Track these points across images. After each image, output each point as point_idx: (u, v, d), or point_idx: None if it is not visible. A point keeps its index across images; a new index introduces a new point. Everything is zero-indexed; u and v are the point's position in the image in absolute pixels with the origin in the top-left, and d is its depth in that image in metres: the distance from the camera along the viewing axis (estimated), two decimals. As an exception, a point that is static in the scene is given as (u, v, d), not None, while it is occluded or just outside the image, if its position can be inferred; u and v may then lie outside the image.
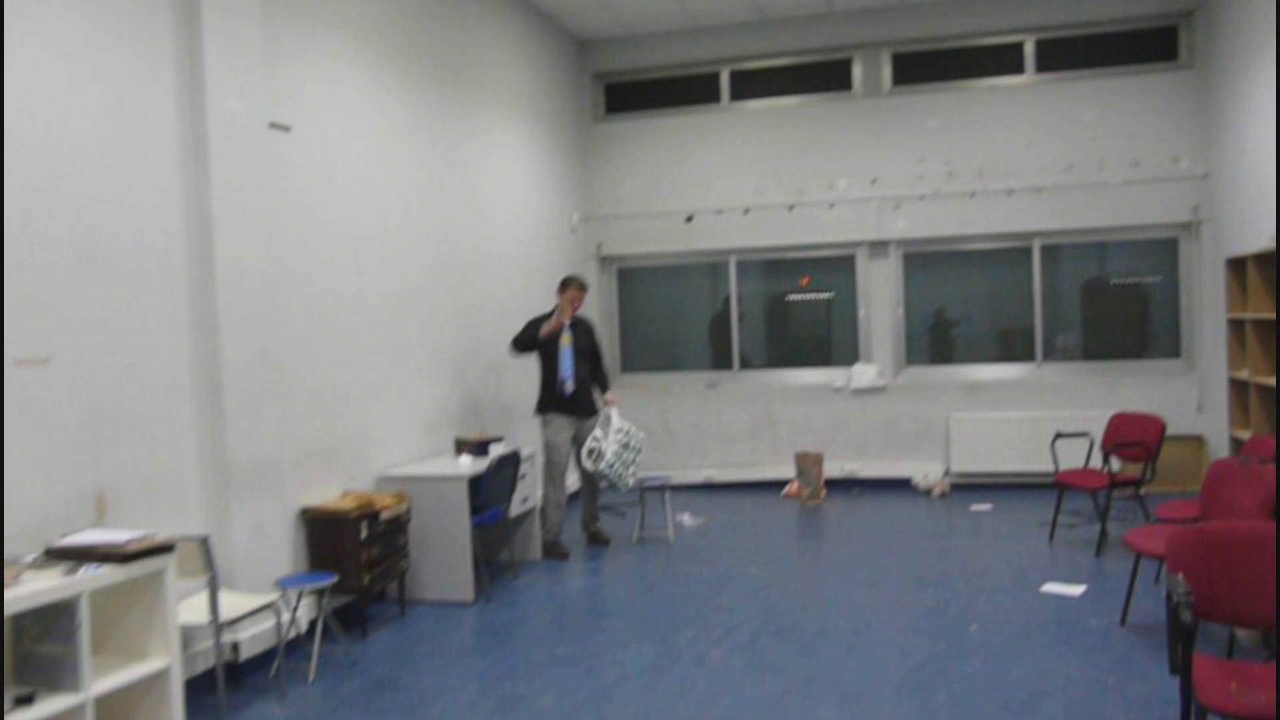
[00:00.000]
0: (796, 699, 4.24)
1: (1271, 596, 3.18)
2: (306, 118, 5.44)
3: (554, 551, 6.95)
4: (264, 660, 4.73)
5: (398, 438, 6.26)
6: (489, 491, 6.00)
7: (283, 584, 4.79)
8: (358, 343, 5.88)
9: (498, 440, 6.54)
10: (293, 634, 4.89)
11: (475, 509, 5.96)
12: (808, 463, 8.56)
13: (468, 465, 6.13)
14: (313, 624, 4.91)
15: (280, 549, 5.05)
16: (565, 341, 6.95)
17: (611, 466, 6.82)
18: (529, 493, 6.72)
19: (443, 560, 5.89)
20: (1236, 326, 6.66)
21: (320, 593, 4.95)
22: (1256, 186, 7.23)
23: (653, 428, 9.54)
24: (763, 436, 9.35)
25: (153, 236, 4.40)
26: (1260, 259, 6.20)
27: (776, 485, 9.07)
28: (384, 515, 5.40)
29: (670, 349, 9.93)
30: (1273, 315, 5.94)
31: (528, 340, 6.92)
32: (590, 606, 5.81)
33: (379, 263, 6.13)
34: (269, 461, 4.96)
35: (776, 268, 9.64)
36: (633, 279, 9.92)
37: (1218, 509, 4.78)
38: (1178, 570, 3.21)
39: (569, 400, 6.95)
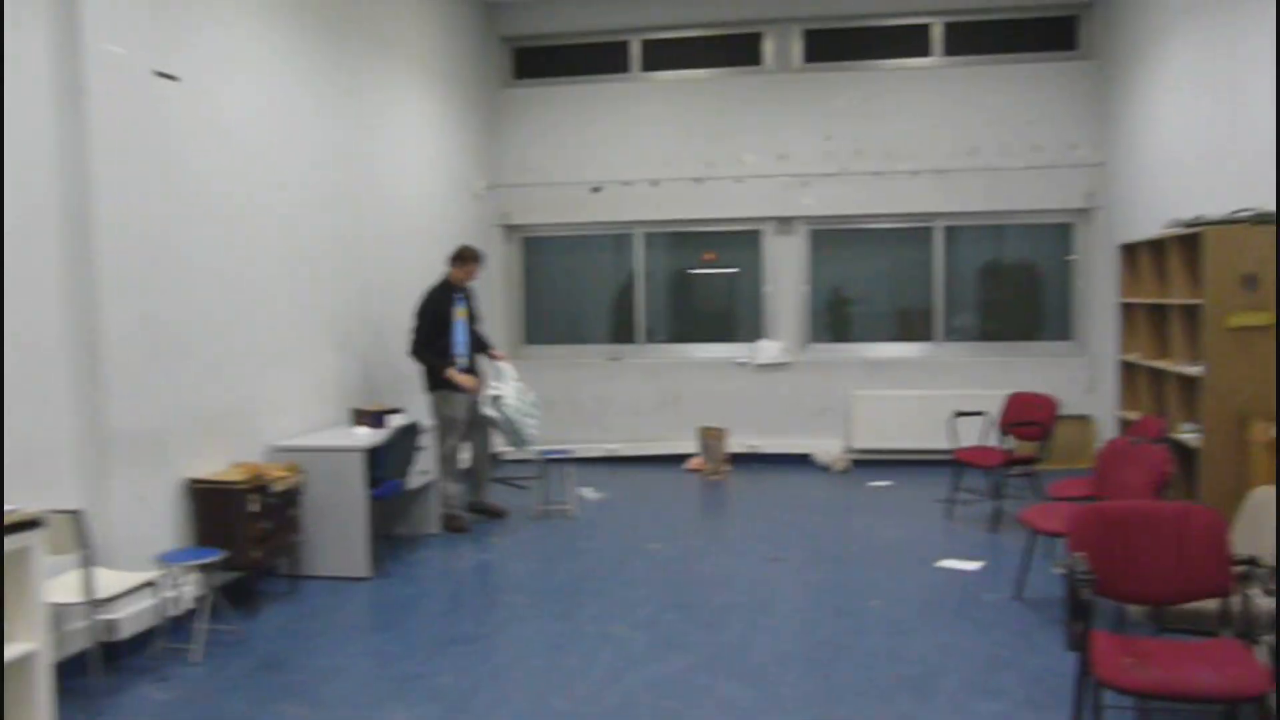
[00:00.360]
0: (701, 675, 4.21)
1: (1164, 574, 3.25)
2: (197, 68, 5.13)
3: (453, 525, 6.79)
4: (146, 641, 4.48)
5: (292, 408, 6.02)
6: (387, 464, 5.82)
7: (165, 559, 4.55)
8: (251, 308, 5.62)
9: (396, 411, 6.36)
10: (176, 612, 4.66)
11: (372, 481, 5.78)
12: (711, 437, 8.56)
13: (365, 436, 5.95)
14: (201, 601, 4.68)
15: (164, 523, 4.81)
16: (460, 315, 6.82)
17: (517, 410, 6.74)
18: (428, 465, 6.55)
19: (338, 534, 5.70)
20: (1128, 311, 6.85)
21: (206, 568, 4.73)
22: (1149, 175, 7.44)
23: (556, 400, 9.42)
24: (667, 411, 9.32)
25: (22, 191, 4.09)
26: (1151, 245, 6.37)
27: (680, 459, 9.05)
28: (275, 487, 5.18)
29: (575, 321, 9.81)
30: (1162, 300, 6.12)
31: (436, 354, 6.68)
32: (490, 582, 5.69)
33: (275, 225, 5.86)
34: (152, 431, 4.70)
35: (683, 241, 9.59)
36: (538, 249, 9.75)
37: (1110, 487, 4.90)
38: (1078, 549, 3.26)
39: (465, 374, 6.81)
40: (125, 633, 4.43)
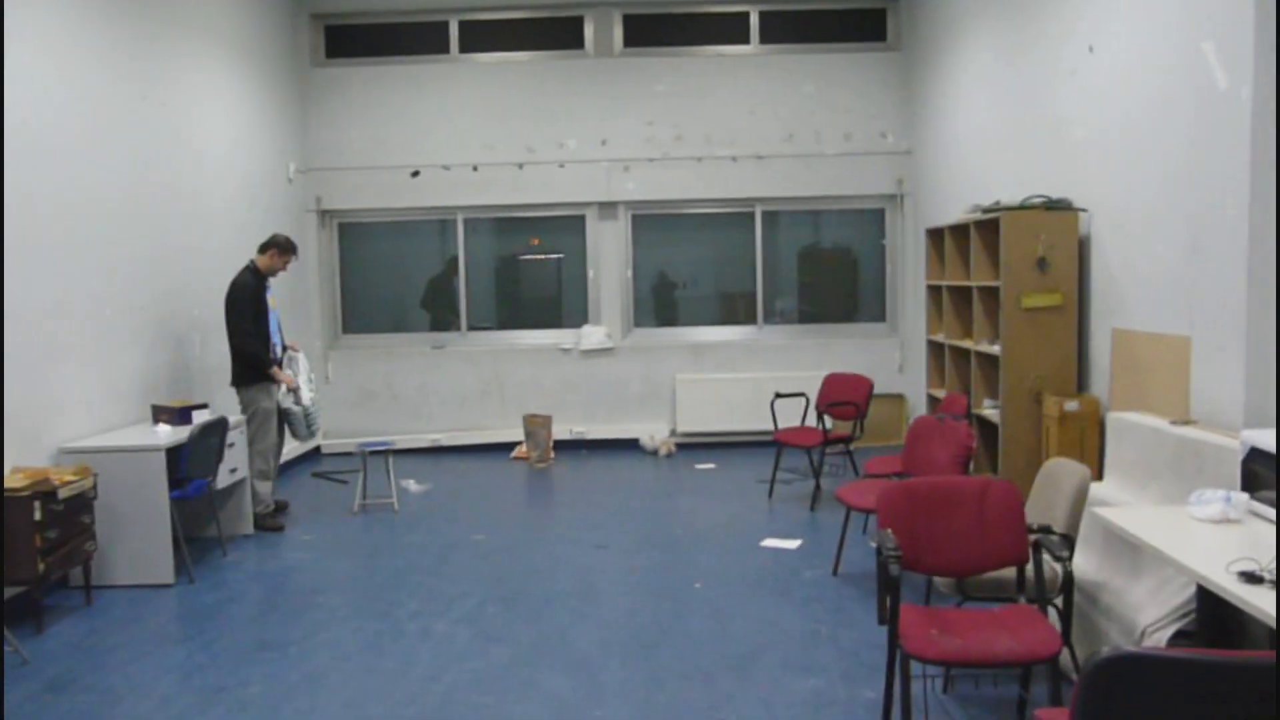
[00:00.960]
0: (523, 668, 4.14)
1: (967, 545, 3.38)
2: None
3: (268, 524, 6.50)
4: (-92, 666, 4.07)
5: (81, 407, 5.58)
6: (191, 463, 5.48)
7: (-69, 577, 4.14)
8: (28, 300, 5.15)
9: (202, 407, 5.99)
10: (-54, 633, 4.24)
11: (176, 482, 5.43)
12: (536, 425, 8.48)
13: (166, 435, 5.59)
14: (-28, 621, 4.28)
15: (-71, 537, 4.37)
16: (271, 304, 6.65)
17: (314, 402, 6.68)
18: (238, 463, 6.21)
19: (138, 540, 5.33)
20: (935, 293, 7.16)
21: (-18, 584, 4.33)
22: (952, 163, 7.79)
23: (376, 391, 9.16)
24: (491, 399, 9.18)
25: None
26: (955, 230, 6.67)
27: (505, 448, 8.94)
28: (62, 493, 4.78)
29: (395, 309, 9.52)
30: (965, 282, 6.41)
31: (255, 355, 6.43)
32: (306, 583, 5.44)
33: (53, 208, 5.39)
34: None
35: (506, 227, 9.45)
36: (355, 235, 9.41)
37: (917, 462, 5.11)
38: (887, 525, 3.35)
39: (276, 364, 6.64)
40: (-115, 660, 4.01)
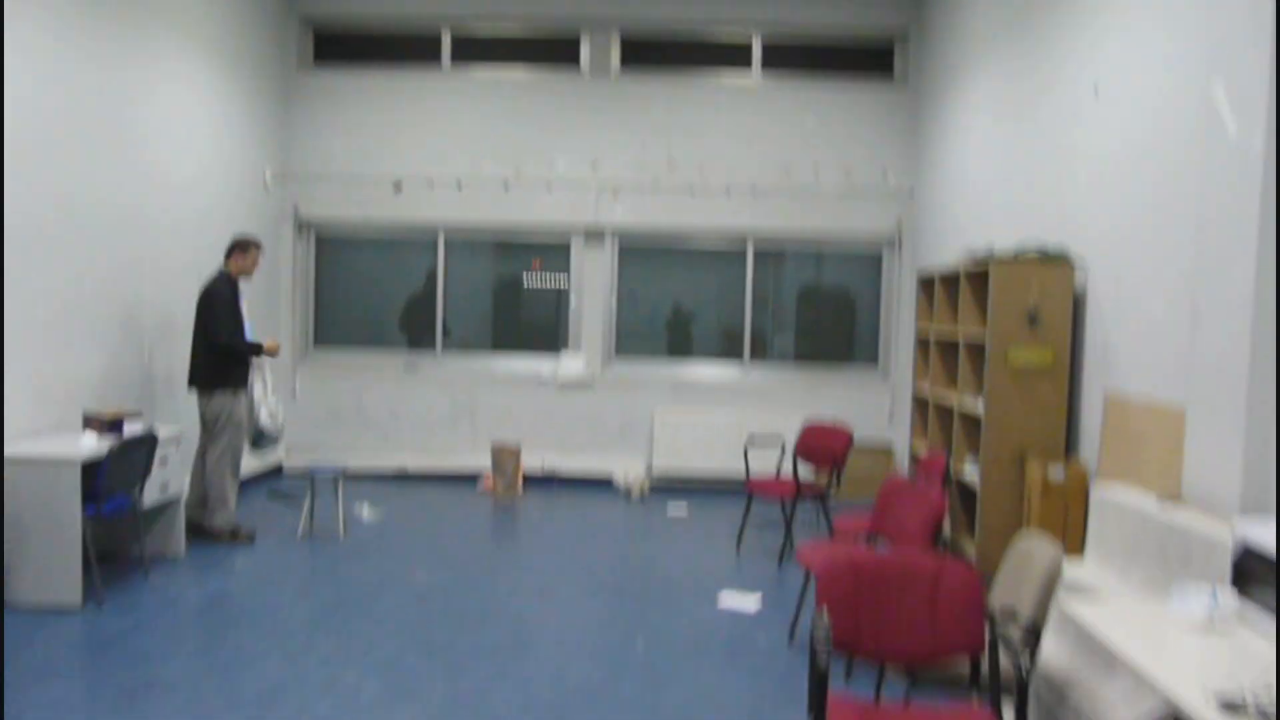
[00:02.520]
0: (426, 733, 3.74)
1: (916, 631, 2.98)
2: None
3: (237, 535, 6.34)
4: None
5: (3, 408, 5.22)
6: (111, 478, 5.10)
7: None
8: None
9: (135, 416, 5.64)
10: None
11: (95, 497, 5.06)
12: (504, 456, 8.09)
13: (90, 446, 5.22)
14: None
15: None
16: (245, 308, 6.43)
17: (278, 411, 6.47)
18: (170, 478, 5.84)
19: (45, 558, 4.96)
20: (923, 343, 6.78)
21: None
22: (952, 206, 7.43)
23: (344, 409, 8.80)
24: (462, 425, 8.81)
25: None
26: (945, 279, 6.30)
27: (474, 477, 8.56)
28: (-46, 505, 4.42)
29: (369, 325, 9.17)
30: (953, 334, 6.03)
31: (250, 349, 6.36)
32: (223, 614, 5.05)
33: (-14, 198, 5.07)
34: None
35: (489, 247, 9.11)
36: (332, 247, 9.08)
37: (887, 526, 4.69)
38: (824, 602, 2.95)
39: (248, 369, 6.48)
40: None
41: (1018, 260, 5.22)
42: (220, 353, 6.22)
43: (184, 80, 7.03)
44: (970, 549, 5.44)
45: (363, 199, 8.79)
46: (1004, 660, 2.95)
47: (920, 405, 6.75)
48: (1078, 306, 5.16)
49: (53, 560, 4.96)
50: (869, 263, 8.88)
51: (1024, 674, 2.76)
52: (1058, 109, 5.52)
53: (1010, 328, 5.10)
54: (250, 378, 6.49)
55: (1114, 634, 2.68)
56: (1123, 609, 2.96)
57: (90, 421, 5.61)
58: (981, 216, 6.74)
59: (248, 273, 6.47)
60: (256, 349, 6.37)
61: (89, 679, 4.15)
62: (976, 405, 5.40)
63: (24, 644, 4.50)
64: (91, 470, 5.06)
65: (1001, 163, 6.41)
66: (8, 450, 5.03)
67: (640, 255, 8.94)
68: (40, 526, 4.94)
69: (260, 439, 6.55)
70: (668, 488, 8.53)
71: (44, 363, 5.57)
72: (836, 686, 4.11)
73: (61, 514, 4.95)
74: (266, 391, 6.58)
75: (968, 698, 3.04)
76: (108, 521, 5.65)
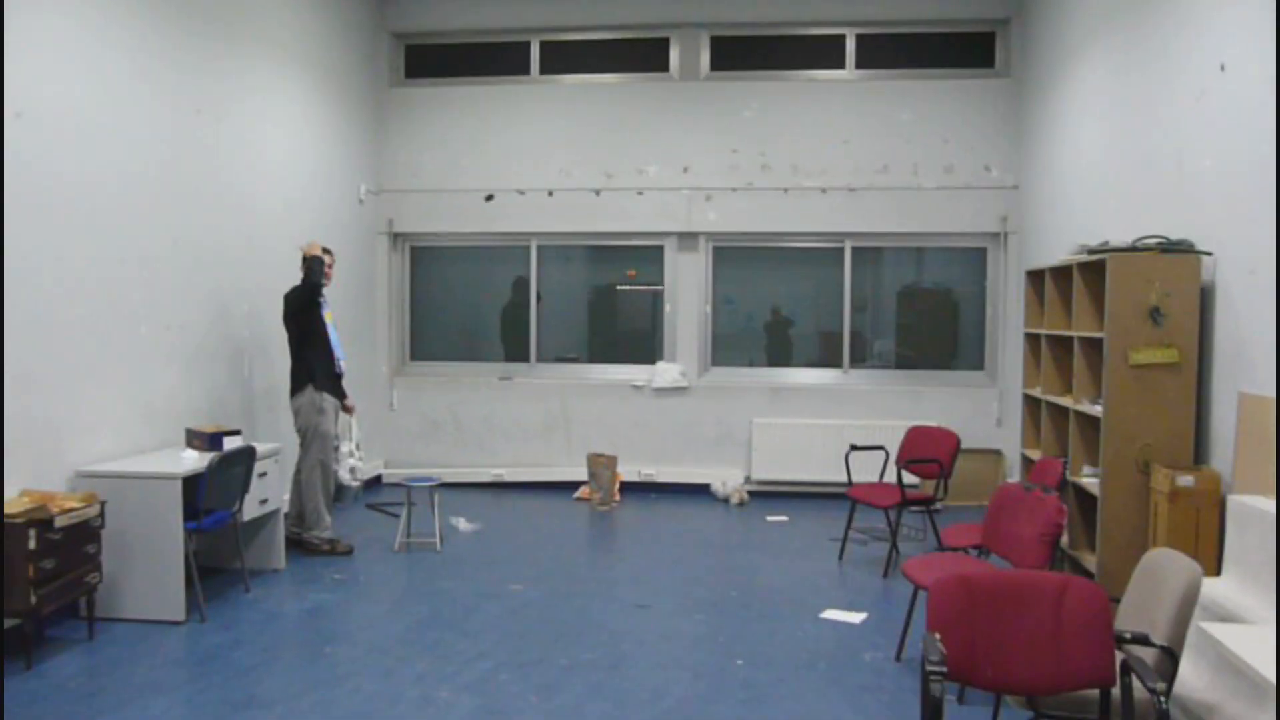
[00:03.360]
0: (520, 755, 3.64)
1: (1037, 660, 2.75)
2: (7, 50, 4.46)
3: (337, 548, 6.36)
4: None
5: (108, 428, 5.33)
6: (210, 494, 5.15)
7: (-100, 608, 3.86)
8: (55, 315, 4.92)
9: (234, 434, 5.69)
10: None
11: (195, 512, 5.12)
12: (600, 465, 8.00)
13: (191, 461, 5.29)
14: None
15: (-88, 562, 4.11)
16: (329, 318, 6.43)
17: (354, 472, 6.51)
18: (269, 493, 5.89)
19: (149, 573, 5.03)
20: (1033, 341, 6.45)
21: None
22: (1061, 199, 7.07)
23: (441, 421, 8.82)
24: (557, 435, 8.74)
25: None
26: (1057, 272, 5.97)
27: (571, 486, 8.49)
28: (60, 521, 4.49)
29: (464, 337, 9.19)
30: (1066, 331, 5.70)
31: (309, 293, 6.28)
32: (319, 629, 5.04)
33: (90, 223, 5.16)
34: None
35: (581, 255, 9.05)
36: (426, 259, 9.13)
37: (999, 538, 4.44)
38: (937, 628, 2.74)
39: (338, 380, 6.48)
40: None
41: (1137, 251, 4.89)
42: (295, 347, 6.28)
43: (280, 101, 7.13)
44: (1090, 563, 5.12)
45: (455, 211, 8.81)
46: (1136, 689, 2.70)
47: (1032, 408, 6.42)
48: (1205, 300, 4.80)
49: (157, 575, 5.02)
50: (972, 261, 8.54)
51: (1161, 704, 2.51)
52: (1177, 91, 5.16)
53: (1130, 323, 4.77)
54: (336, 424, 6.50)
55: (1262, 659, 2.42)
56: (1271, 632, 2.68)
57: (192, 437, 5.70)
58: (1093, 209, 6.38)
59: (327, 279, 6.43)
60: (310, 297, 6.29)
61: (190, 694, 4.16)
62: (1094, 408, 5.08)
63: (130, 658, 4.55)
64: (193, 486, 5.12)
65: (1115, 152, 6.05)
66: (116, 467, 5.13)
67: (735, 259, 8.76)
68: (144, 542, 5.00)
69: (338, 493, 6.60)
70: (767, 495, 8.33)
71: (151, 382, 5.67)
72: (950, 713, 3.87)
73: (164, 529, 5.01)
74: (353, 446, 6.62)
75: (1097, 728, 2.80)
76: (209, 536, 5.71)
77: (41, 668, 4.41)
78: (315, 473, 6.34)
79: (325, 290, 6.43)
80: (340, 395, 6.55)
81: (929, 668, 2.51)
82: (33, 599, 4.36)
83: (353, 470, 6.71)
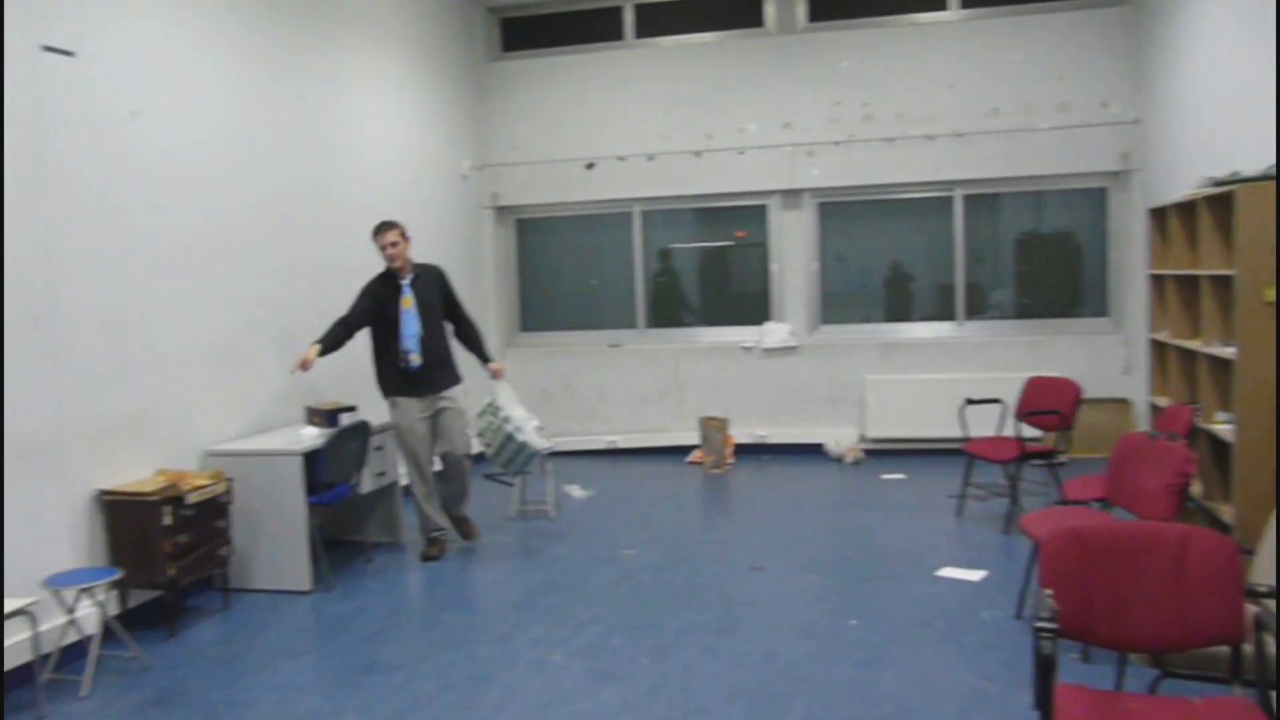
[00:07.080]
0: (630, 715, 3.66)
1: (1158, 617, 2.62)
2: (98, 40, 4.65)
3: (425, 554, 5.83)
4: (31, 674, 4.05)
5: (232, 408, 5.56)
6: (329, 468, 5.33)
7: (51, 583, 4.11)
8: (179, 301, 5.15)
9: (350, 410, 5.86)
10: (77, 638, 4.22)
11: (317, 486, 5.31)
12: (712, 428, 7.97)
13: (310, 438, 5.47)
14: (106, 625, 4.25)
15: (60, 540, 4.38)
16: (405, 304, 5.73)
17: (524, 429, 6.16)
18: (387, 467, 6.06)
19: (276, 545, 5.24)
20: (1157, 283, 6.12)
21: (112, 589, 4.33)
22: (1188, 133, 6.66)
23: (553, 390, 8.92)
24: (668, 399, 8.74)
25: None
26: (1181, 208, 5.64)
27: (683, 450, 8.49)
28: (191, 498, 4.71)
29: (572, 306, 9.25)
30: (1193, 270, 5.39)
31: (349, 326, 5.76)
32: (437, 597, 5.18)
33: (207, 211, 5.38)
34: (42, 439, 4.27)
35: (684, 218, 8.99)
36: (532, 230, 9.21)
37: (1123, 490, 4.26)
38: (1049, 584, 2.64)
39: (415, 375, 5.76)
40: (9, 665, 4.00)
41: (1270, 181, 4.57)
42: (375, 354, 5.91)
43: (381, 81, 7.26)
44: (1226, 515, 4.86)
45: (557, 181, 8.85)
46: (1270, 645, 2.55)
47: (1159, 353, 6.11)
48: (1347, 230, 4.47)
49: (284, 547, 5.23)
50: (1091, 203, 8.14)
51: (1297, 661, 2.36)
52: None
53: (1263, 258, 4.47)
54: (497, 399, 6.26)
55: None
56: None
57: (313, 415, 5.89)
58: (1223, 141, 5.98)
59: (389, 261, 5.79)
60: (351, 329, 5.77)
61: (317, 658, 4.34)
62: (1226, 350, 4.80)
63: (263, 626, 4.76)
64: (314, 462, 5.30)
65: (1251, 75, 5.65)
66: (241, 445, 5.35)
67: (841, 214, 8.57)
68: (271, 516, 5.21)
69: (512, 460, 6.24)
70: (882, 453, 8.17)
71: (268, 363, 5.88)
72: (1072, 672, 3.74)
73: (289, 503, 5.21)
74: (523, 410, 6.26)
75: (1228, 689, 2.65)
76: (333, 509, 5.90)
77: (183, 635, 4.66)
78: (410, 472, 5.90)
79: (400, 273, 5.80)
80: (418, 393, 5.82)
81: (1039, 625, 2.42)
82: (171, 571, 4.60)
83: (538, 429, 6.20)
